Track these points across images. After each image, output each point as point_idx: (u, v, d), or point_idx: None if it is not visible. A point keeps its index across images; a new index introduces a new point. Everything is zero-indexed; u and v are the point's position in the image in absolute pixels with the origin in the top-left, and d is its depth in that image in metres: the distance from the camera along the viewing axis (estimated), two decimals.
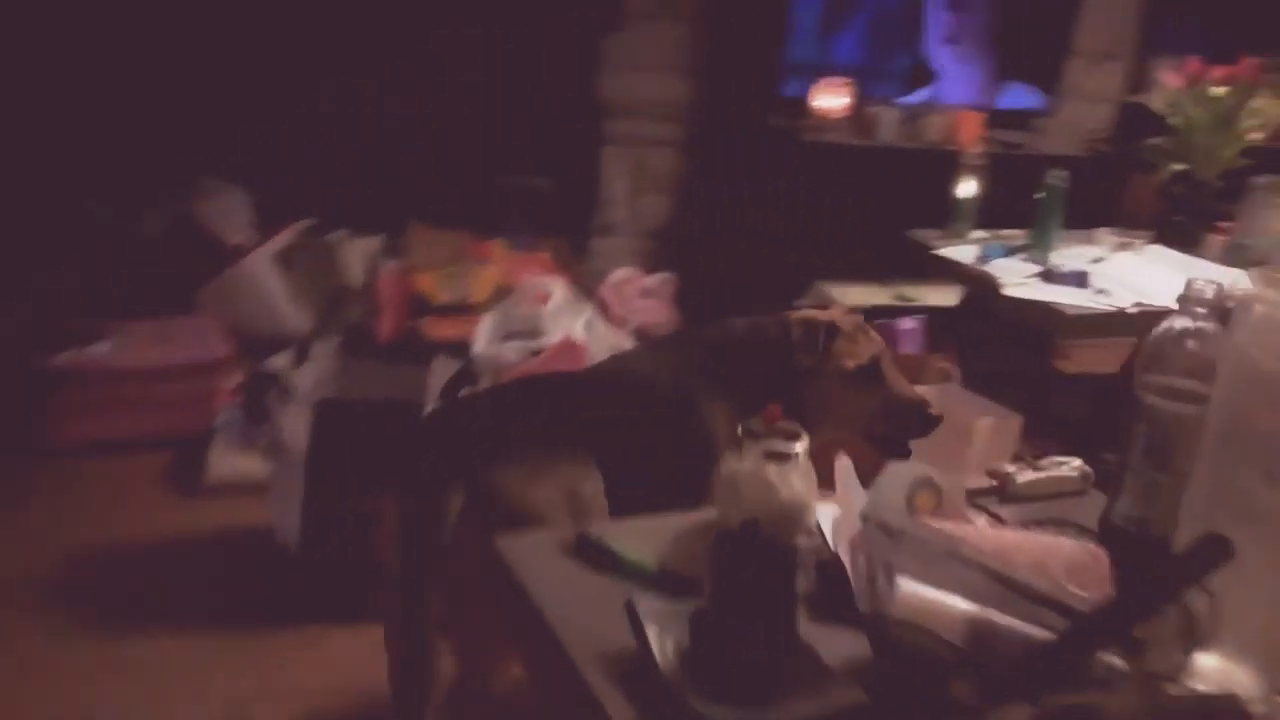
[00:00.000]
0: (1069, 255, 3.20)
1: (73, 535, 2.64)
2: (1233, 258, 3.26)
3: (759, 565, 0.93)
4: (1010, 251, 3.20)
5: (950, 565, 0.95)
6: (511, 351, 2.78)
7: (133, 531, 2.68)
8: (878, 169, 4.34)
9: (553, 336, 2.83)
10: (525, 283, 3.14)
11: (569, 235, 4.15)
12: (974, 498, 1.32)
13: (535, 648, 1.09)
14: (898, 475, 1.22)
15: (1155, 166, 3.39)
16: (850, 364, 1.83)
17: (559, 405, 1.81)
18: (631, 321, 3.76)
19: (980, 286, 3.09)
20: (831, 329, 1.85)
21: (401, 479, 1.73)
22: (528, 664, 1.23)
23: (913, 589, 0.91)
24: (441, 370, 2.58)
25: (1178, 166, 3.33)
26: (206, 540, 2.67)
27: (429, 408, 2.43)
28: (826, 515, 1.18)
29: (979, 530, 1.14)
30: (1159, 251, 3.17)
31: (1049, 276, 3.00)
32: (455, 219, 3.72)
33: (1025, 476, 1.33)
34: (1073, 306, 2.82)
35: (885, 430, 1.84)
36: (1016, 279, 3.00)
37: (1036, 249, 3.16)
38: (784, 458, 1.14)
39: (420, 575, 1.69)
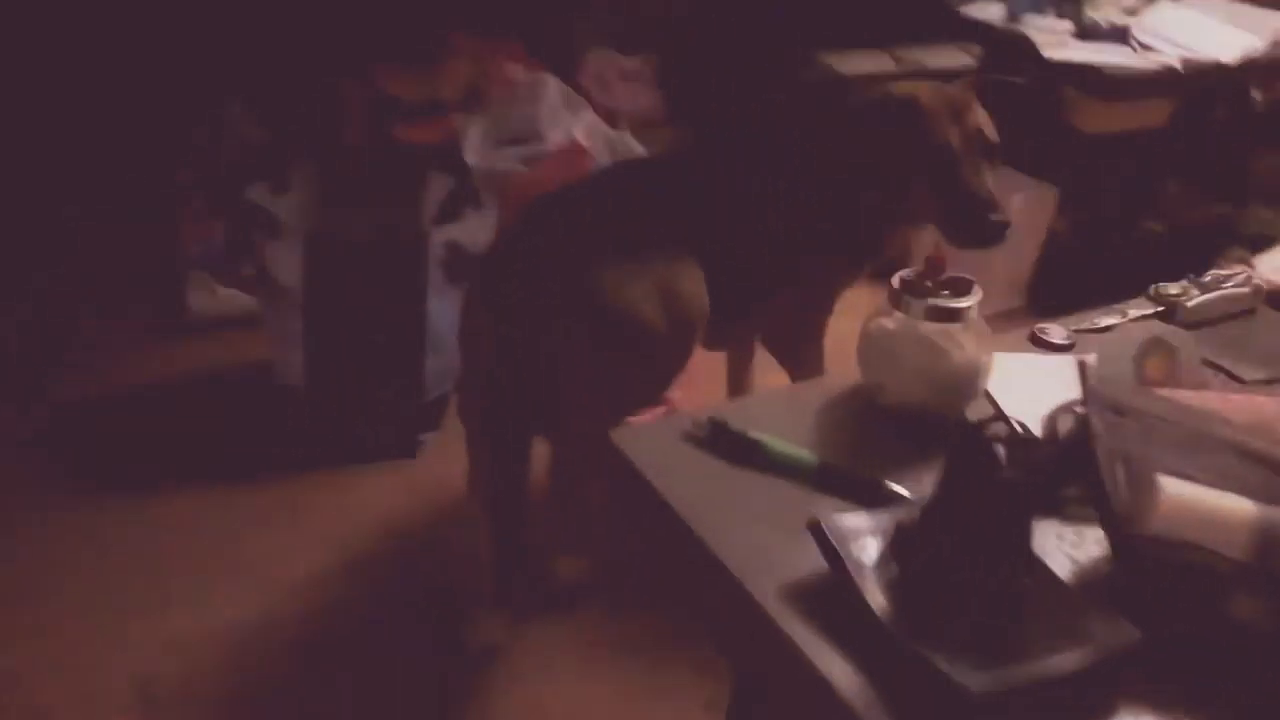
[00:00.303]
0: (1102, 5, 2.92)
1: (59, 393, 2.41)
2: None
3: (987, 472, 0.75)
4: (1039, 4, 2.91)
5: (1212, 451, 0.77)
6: (508, 159, 2.50)
7: (125, 380, 2.45)
8: None
9: (552, 140, 2.55)
10: (511, 78, 2.80)
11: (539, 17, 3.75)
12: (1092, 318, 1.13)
13: (685, 569, 0.92)
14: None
15: None
16: (932, 143, 1.63)
17: (652, 196, 1.74)
18: (616, 111, 3.44)
19: (1012, 48, 2.82)
20: (910, 107, 1.65)
21: (492, 295, 1.67)
22: (671, 582, 1.08)
23: (1178, 491, 0.74)
24: (437, 187, 2.31)
25: None
26: (203, 381, 2.46)
27: (433, 231, 2.18)
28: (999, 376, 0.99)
29: (1226, 399, 0.96)
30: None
31: (1086, 33, 2.74)
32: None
33: (1194, 298, 1.14)
34: (1117, 66, 2.58)
35: (952, 232, 1.65)
36: (1052, 38, 2.73)
37: (1066, 3, 2.87)
38: (953, 315, 0.94)
39: (516, 407, 1.68)
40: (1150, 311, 1.17)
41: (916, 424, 0.96)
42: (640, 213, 1.70)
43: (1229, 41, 2.65)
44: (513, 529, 1.74)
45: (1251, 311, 1.18)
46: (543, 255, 1.65)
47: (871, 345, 0.99)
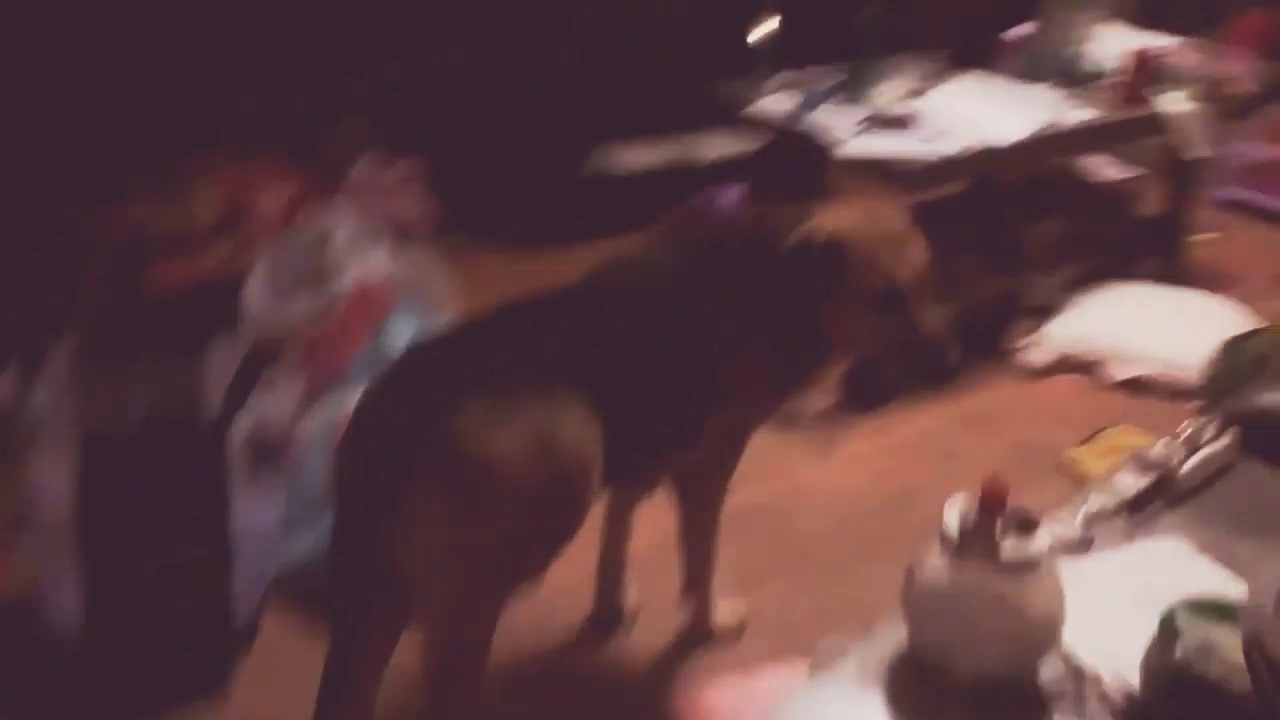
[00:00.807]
0: (882, 91, 2.95)
1: None
2: (1032, 71, 3.15)
3: None
4: (826, 95, 2.91)
5: None
6: (300, 308, 2.21)
7: None
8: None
9: (347, 276, 2.27)
10: (290, 209, 2.50)
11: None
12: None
13: None
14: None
15: None
16: (867, 287, 1.54)
17: (540, 329, 1.51)
18: (390, 223, 3.18)
19: (803, 140, 2.80)
20: (833, 249, 1.54)
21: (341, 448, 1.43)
22: None
23: None
24: (221, 353, 1.99)
25: None
26: None
27: (225, 409, 1.87)
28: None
29: None
30: (977, 81, 2.99)
31: (879, 123, 2.75)
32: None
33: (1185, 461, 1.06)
34: (916, 160, 2.60)
35: (896, 370, 1.61)
36: (846, 132, 2.72)
37: (854, 87, 2.89)
38: (1031, 565, 0.79)
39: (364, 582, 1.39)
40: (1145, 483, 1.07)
41: (993, 693, 0.80)
42: (525, 353, 1.47)
43: (1009, 123, 2.73)
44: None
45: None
46: (397, 401, 1.41)
47: (931, 605, 0.82)
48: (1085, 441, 2.60)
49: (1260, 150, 3.94)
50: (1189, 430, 1.05)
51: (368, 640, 1.42)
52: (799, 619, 2.02)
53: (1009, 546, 0.79)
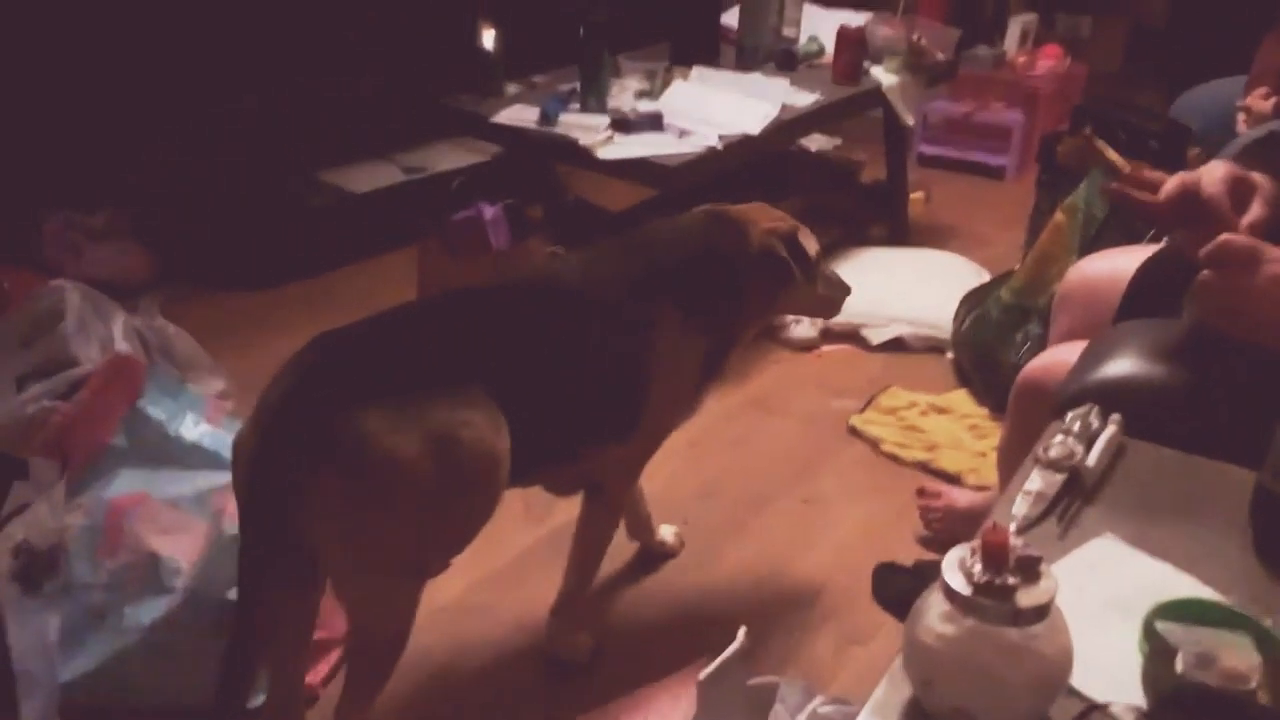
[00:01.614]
0: (617, 93, 2.96)
1: None
2: (747, 59, 3.25)
3: None
4: (564, 101, 2.87)
5: None
6: (39, 399, 1.90)
7: None
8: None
9: (86, 357, 1.98)
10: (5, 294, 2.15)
11: None
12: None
13: None
14: None
15: None
16: (812, 267, 1.85)
17: (448, 327, 1.52)
18: (115, 283, 2.85)
19: (556, 149, 2.75)
20: (792, 242, 1.81)
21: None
22: None
23: None
24: None
25: None
26: None
27: None
28: None
29: None
30: (705, 74, 3.05)
31: (625, 126, 2.74)
32: None
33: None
34: (673, 156, 2.61)
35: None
36: (596, 137, 2.70)
37: (591, 94, 2.87)
38: (1042, 612, 0.77)
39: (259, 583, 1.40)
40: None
41: None
42: (431, 350, 1.47)
43: (749, 112, 2.80)
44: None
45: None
46: (301, 402, 1.37)
47: (946, 666, 0.78)
48: (864, 408, 2.72)
49: (949, 109, 4.30)
50: (1078, 422, 1.07)
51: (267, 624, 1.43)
52: (633, 622, 2.01)
53: (1023, 596, 0.76)
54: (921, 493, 2.29)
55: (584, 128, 2.74)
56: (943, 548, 2.18)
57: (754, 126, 2.74)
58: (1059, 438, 1.05)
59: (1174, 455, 1.07)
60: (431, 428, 1.36)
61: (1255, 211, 1.19)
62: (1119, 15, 5.29)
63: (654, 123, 2.74)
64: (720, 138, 2.69)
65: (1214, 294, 1.14)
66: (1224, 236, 1.13)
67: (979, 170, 4.34)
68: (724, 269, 1.74)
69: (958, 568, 0.79)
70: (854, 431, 2.64)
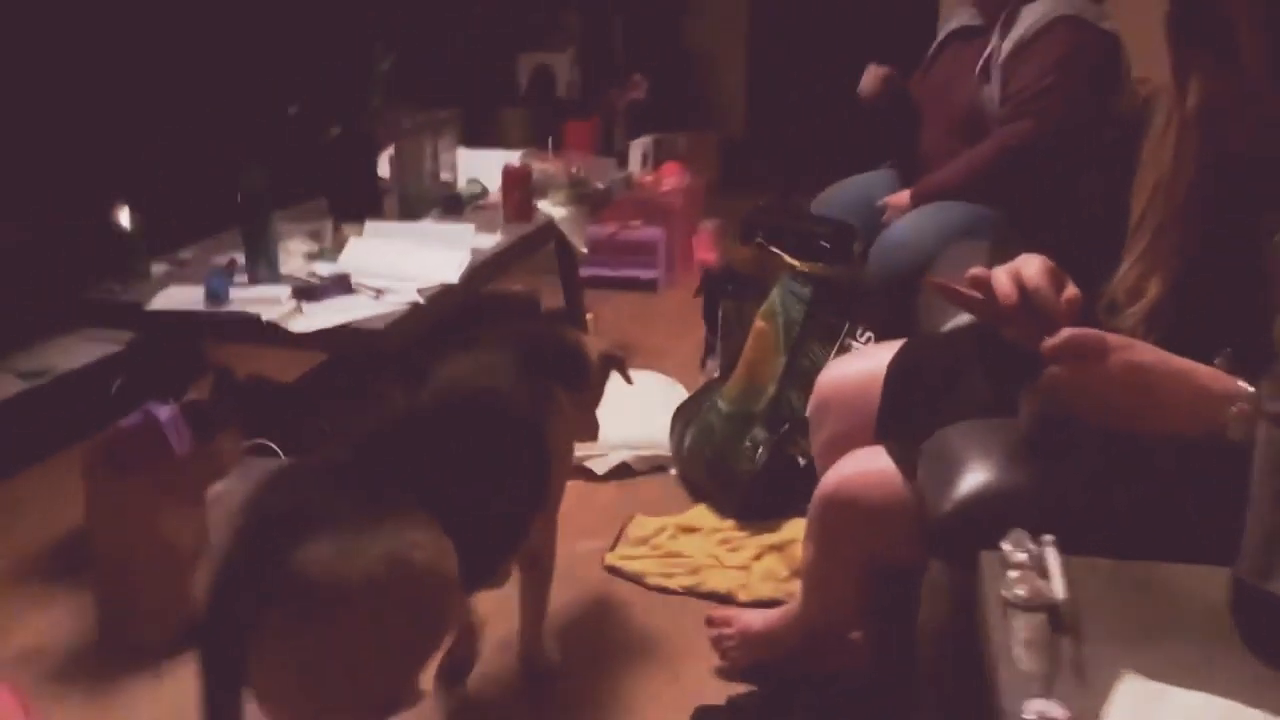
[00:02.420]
0: (284, 259, 2.71)
1: None
2: (410, 209, 3.13)
3: None
4: (228, 275, 2.58)
5: None
6: None
7: None
8: None
9: None
10: None
11: None
12: None
13: None
14: None
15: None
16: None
17: (384, 455, 1.57)
18: None
19: (240, 331, 2.45)
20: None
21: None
22: None
23: None
24: None
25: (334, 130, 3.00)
26: None
27: None
28: None
29: None
30: (379, 227, 2.88)
31: (309, 293, 2.51)
32: None
33: None
34: (377, 318, 2.42)
35: None
36: (281, 309, 2.44)
37: (260, 263, 2.60)
38: None
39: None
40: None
41: None
42: (372, 479, 1.50)
43: (443, 262, 2.67)
44: None
45: None
46: (249, 537, 1.39)
47: None
48: (614, 544, 2.64)
49: (596, 231, 4.40)
50: (1020, 552, 1.04)
51: None
52: None
53: None
54: (711, 622, 2.23)
55: (263, 301, 2.46)
56: (745, 675, 2.17)
57: (452, 275, 2.62)
58: (1014, 574, 1.01)
59: (1109, 565, 1.07)
60: (382, 551, 1.37)
61: (1071, 290, 1.24)
62: (710, 131, 5.77)
63: (342, 285, 2.53)
64: (419, 291, 2.53)
65: (1068, 387, 1.17)
66: (1069, 331, 1.17)
67: (633, 285, 4.48)
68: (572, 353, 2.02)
69: None
70: (613, 570, 2.54)
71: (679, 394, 3.26)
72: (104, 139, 3.36)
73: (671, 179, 4.52)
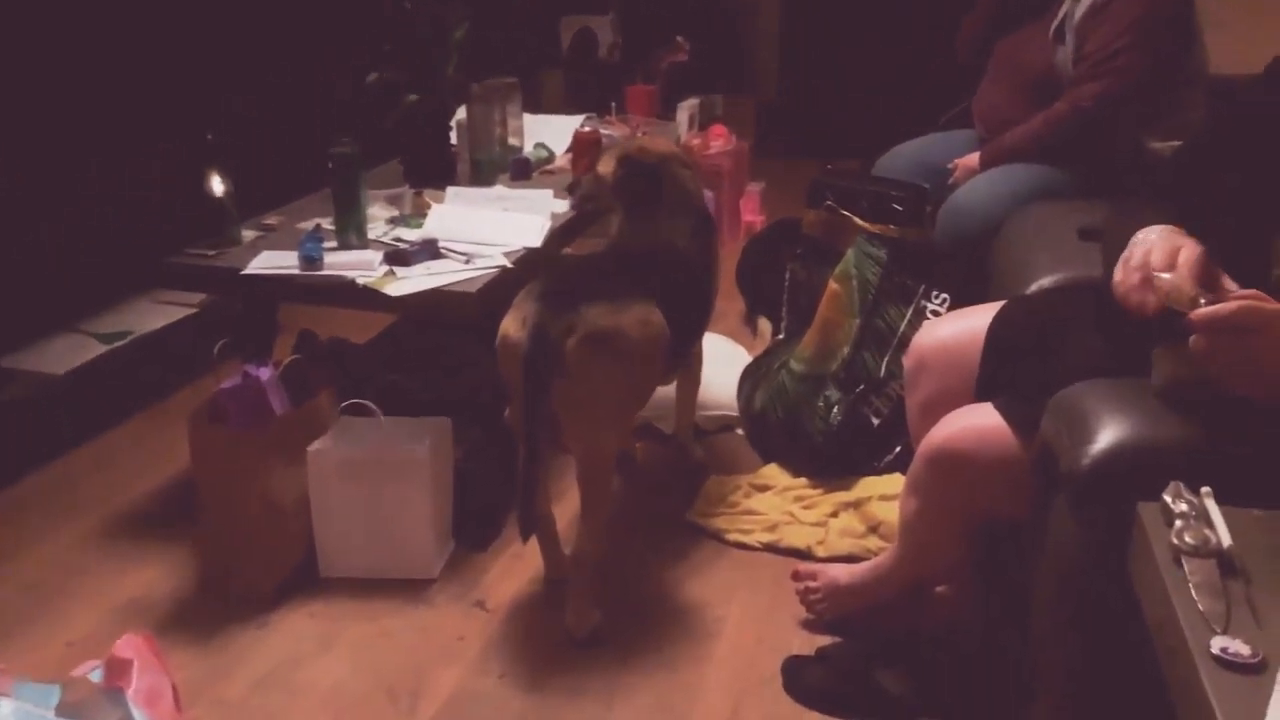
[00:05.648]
0: (371, 224, 2.77)
1: None
2: (481, 175, 3.18)
3: None
4: (317, 241, 2.64)
5: None
6: None
7: None
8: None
9: None
10: None
11: None
12: None
13: None
14: None
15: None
16: None
17: (622, 268, 2.36)
18: None
19: (332, 295, 2.52)
20: None
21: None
22: None
23: None
24: None
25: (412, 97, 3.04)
26: None
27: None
28: None
29: None
30: (460, 193, 2.93)
31: (400, 258, 2.57)
32: None
33: None
34: (470, 281, 2.48)
35: None
36: (375, 274, 2.50)
37: (349, 229, 2.66)
38: None
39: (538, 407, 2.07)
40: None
41: None
42: (618, 281, 2.26)
43: (526, 226, 2.73)
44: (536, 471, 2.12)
45: None
46: (542, 312, 2.09)
47: None
48: (695, 502, 2.71)
49: None
50: (1182, 502, 1.10)
51: (541, 455, 2.12)
52: None
53: None
54: (797, 576, 2.29)
55: (355, 265, 2.53)
56: (830, 628, 2.22)
57: (535, 239, 2.67)
58: (1179, 524, 1.08)
59: (1263, 515, 1.13)
60: (635, 316, 2.14)
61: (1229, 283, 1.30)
62: (746, 95, 5.77)
63: (431, 250, 2.59)
64: (505, 255, 2.59)
65: (1220, 359, 1.22)
66: (1235, 304, 1.22)
67: None
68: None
69: None
70: (693, 526, 2.62)
71: (741, 355, 3.32)
72: (189, 106, 3.40)
73: (719, 141, 4.55)
